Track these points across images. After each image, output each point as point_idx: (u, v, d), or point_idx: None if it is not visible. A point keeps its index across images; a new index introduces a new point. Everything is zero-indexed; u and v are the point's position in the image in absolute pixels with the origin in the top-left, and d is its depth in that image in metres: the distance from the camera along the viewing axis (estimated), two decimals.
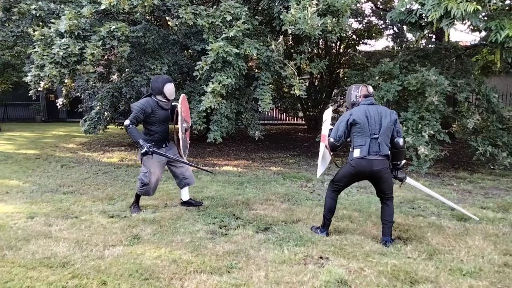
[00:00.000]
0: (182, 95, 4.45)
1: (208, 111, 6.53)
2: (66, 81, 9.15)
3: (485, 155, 6.22)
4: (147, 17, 8.40)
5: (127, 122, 4.10)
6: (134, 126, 4.10)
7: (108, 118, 8.81)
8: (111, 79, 9.22)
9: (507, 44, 5.20)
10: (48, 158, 8.17)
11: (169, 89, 4.20)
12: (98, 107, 8.63)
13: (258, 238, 3.64)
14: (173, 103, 4.34)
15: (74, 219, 4.18)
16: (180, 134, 4.22)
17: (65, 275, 2.91)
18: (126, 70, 8.43)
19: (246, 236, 3.68)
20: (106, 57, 8.91)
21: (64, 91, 10.20)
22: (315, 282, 2.78)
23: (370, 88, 3.64)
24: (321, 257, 3.21)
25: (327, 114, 3.91)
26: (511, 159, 6.13)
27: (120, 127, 10.55)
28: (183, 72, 7.98)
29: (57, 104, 10.35)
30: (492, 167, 6.61)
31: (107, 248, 3.42)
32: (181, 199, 4.66)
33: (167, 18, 8.85)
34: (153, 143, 4.19)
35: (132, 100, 8.91)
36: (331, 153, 3.61)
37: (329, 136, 3.60)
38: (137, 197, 4.48)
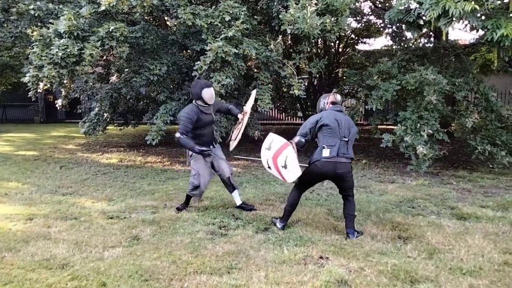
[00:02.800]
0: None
1: None
2: (65, 82, 9.14)
3: (484, 154, 6.22)
4: (146, 18, 8.39)
5: (177, 134, 4.12)
6: (185, 136, 4.11)
7: (107, 119, 8.80)
8: (110, 80, 9.21)
9: (503, 43, 5.21)
10: (47, 159, 8.16)
11: (207, 93, 4.19)
12: (97, 108, 8.62)
13: (258, 238, 3.64)
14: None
15: (73, 221, 4.17)
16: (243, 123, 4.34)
17: (65, 277, 2.91)
18: (125, 70, 8.42)
19: (246, 236, 3.68)
20: (105, 57, 8.90)
21: (63, 92, 10.18)
22: (315, 282, 2.77)
23: (338, 97, 3.85)
24: (321, 257, 3.20)
25: (269, 139, 3.90)
26: (510, 158, 6.13)
27: (119, 128, 10.55)
28: (182, 72, 7.96)
29: (57, 105, 10.33)
30: (491, 166, 6.61)
31: (106, 249, 3.41)
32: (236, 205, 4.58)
33: (166, 18, 8.84)
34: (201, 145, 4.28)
35: (131, 100, 8.92)
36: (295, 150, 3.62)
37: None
38: (188, 198, 4.54)
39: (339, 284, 2.76)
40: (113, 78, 8.94)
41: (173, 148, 9.58)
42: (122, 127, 10.54)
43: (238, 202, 4.55)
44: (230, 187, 4.52)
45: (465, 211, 4.38)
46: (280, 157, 3.66)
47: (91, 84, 9.64)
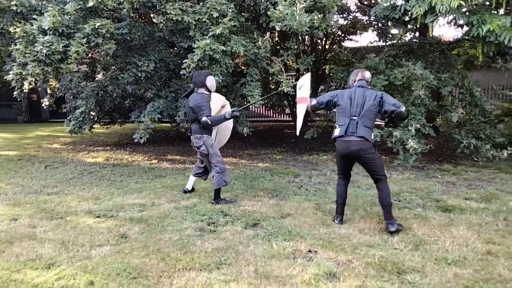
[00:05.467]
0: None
1: None
2: (50, 80, 8.97)
3: (469, 147, 6.34)
4: (132, 15, 8.29)
5: (205, 119, 4.34)
6: (210, 117, 4.38)
7: (94, 118, 8.68)
8: (96, 77, 9.08)
9: (488, 38, 5.30)
10: (31, 159, 8.02)
11: (211, 81, 4.52)
12: (83, 107, 8.50)
13: (247, 234, 3.64)
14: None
15: (59, 220, 4.11)
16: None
17: (51, 277, 2.87)
18: (112, 68, 8.31)
19: (235, 232, 3.68)
20: (90, 55, 8.77)
21: (48, 91, 10.01)
22: (304, 275, 2.79)
23: (367, 74, 3.82)
24: (309, 251, 3.23)
25: (305, 79, 4.08)
26: (494, 151, 6.26)
27: (106, 126, 10.42)
28: (170, 69, 7.91)
29: (43, 105, 10.14)
30: (475, 159, 6.74)
31: (94, 248, 3.38)
32: (187, 188, 5.01)
33: (152, 15, 8.76)
34: (210, 134, 4.56)
35: (117, 98, 8.81)
36: (308, 110, 3.88)
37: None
38: (218, 191, 4.58)
39: (328, 277, 2.79)
40: (99, 76, 8.82)
41: (160, 146, 9.52)
42: (108, 126, 10.42)
43: (189, 186, 5.01)
44: (203, 174, 4.88)
45: (450, 203, 4.46)
46: (299, 106, 3.97)
47: (77, 82, 9.49)
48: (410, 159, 5.98)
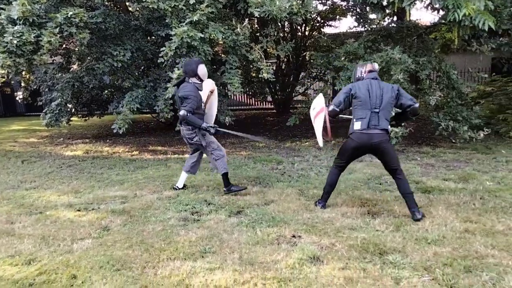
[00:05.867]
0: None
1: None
2: (23, 72, 8.68)
3: (447, 129, 6.48)
4: (106, 3, 8.04)
5: (183, 112, 4.13)
6: (191, 114, 4.15)
7: (71, 110, 8.47)
8: (71, 68, 8.82)
9: (463, 22, 5.38)
10: (7, 154, 7.78)
11: (203, 69, 4.31)
12: (59, 99, 8.26)
13: (231, 221, 3.64)
14: None
15: (39, 215, 4.02)
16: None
17: (32, 272, 2.81)
18: (88, 58, 8.08)
19: (219, 220, 3.68)
20: (64, 45, 8.50)
21: (22, 83, 9.68)
22: (289, 260, 2.82)
23: (376, 65, 3.78)
24: (293, 236, 3.25)
25: (318, 102, 3.94)
26: (471, 132, 6.42)
27: (84, 118, 10.18)
28: (148, 58, 7.75)
29: (17, 98, 9.82)
30: (453, 141, 6.91)
31: (75, 241, 3.32)
32: (177, 186, 4.73)
33: (127, 3, 8.52)
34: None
35: (94, 90, 8.60)
36: (330, 120, 3.69)
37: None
38: (225, 176, 4.42)
39: (312, 261, 2.82)
40: (74, 67, 8.57)
41: (141, 137, 9.39)
42: (87, 118, 10.19)
43: (181, 184, 4.74)
44: (195, 170, 4.72)
45: (429, 184, 4.57)
46: (317, 118, 3.78)
47: (52, 74, 9.20)
48: (391, 143, 6.07)
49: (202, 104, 4.41)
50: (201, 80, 4.33)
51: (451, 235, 3.14)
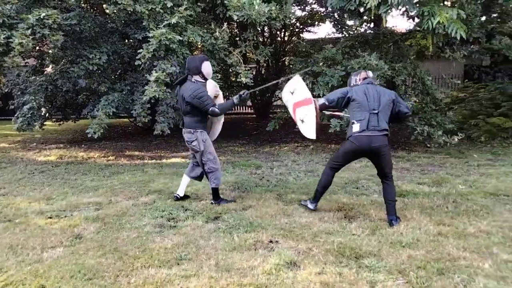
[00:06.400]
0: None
1: (153, 101, 6.31)
2: None
3: (422, 134, 6.63)
4: (82, 5, 7.88)
5: (212, 109, 3.90)
6: (216, 108, 3.94)
7: (45, 114, 8.21)
8: (45, 71, 8.57)
9: (437, 30, 5.53)
10: None
11: (208, 67, 4.02)
12: (31, 102, 7.99)
13: (208, 227, 3.59)
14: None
15: (7, 223, 3.86)
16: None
17: None
18: (63, 61, 7.87)
19: (196, 226, 3.62)
20: (38, 48, 8.26)
21: None
22: (265, 266, 2.80)
23: (370, 73, 3.78)
24: (271, 241, 3.24)
25: (296, 83, 3.80)
26: (446, 137, 6.59)
27: (58, 123, 9.90)
28: (124, 62, 7.62)
29: None
30: (428, 145, 7.08)
31: (45, 250, 3.20)
32: (178, 195, 4.40)
33: (104, 6, 8.37)
34: (205, 129, 4.12)
35: (69, 93, 8.38)
36: (318, 112, 3.60)
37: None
38: (215, 191, 4.22)
39: (289, 266, 2.81)
40: (48, 69, 8.33)
41: (118, 142, 9.20)
42: (61, 122, 9.91)
43: (181, 192, 4.42)
44: (199, 178, 4.41)
45: (404, 188, 4.65)
46: (301, 109, 3.64)
47: (25, 76, 8.90)
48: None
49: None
50: (205, 79, 4.05)
51: (425, 238, 3.19)
